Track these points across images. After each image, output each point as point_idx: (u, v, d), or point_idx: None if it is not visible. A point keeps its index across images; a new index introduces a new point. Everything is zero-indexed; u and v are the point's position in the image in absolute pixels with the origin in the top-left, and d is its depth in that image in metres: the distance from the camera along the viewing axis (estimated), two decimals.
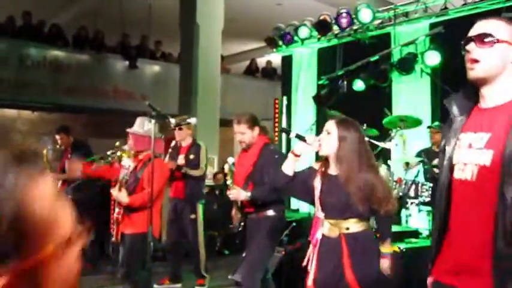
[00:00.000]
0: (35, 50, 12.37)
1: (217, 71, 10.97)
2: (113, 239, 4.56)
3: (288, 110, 9.07)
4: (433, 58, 6.77)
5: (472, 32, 2.04)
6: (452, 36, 6.66)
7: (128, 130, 4.57)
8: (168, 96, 12.55)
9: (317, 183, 3.26)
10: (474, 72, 2.00)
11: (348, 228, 3.08)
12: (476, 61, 1.98)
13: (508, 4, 6.21)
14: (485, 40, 1.97)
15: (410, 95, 7.25)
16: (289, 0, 12.73)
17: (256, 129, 4.42)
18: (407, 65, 7.11)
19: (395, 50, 7.40)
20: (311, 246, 3.28)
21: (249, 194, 4.28)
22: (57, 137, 6.96)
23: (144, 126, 4.49)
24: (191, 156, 5.82)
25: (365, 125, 6.07)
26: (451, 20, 6.91)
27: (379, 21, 7.79)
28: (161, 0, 12.59)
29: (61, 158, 6.95)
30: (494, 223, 1.87)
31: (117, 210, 4.49)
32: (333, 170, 3.21)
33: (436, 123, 6.32)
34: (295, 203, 8.47)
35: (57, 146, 7.00)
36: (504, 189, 1.85)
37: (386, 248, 3.21)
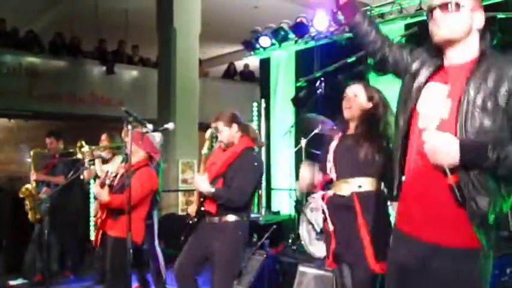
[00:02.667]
0: (11, 57, 12.24)
1: (195, 75, 10.95)
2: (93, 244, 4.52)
3: (266, 112, 9.08)
4: None
5: (436, 1, 2.15)
6: (427, 36, 6.76)
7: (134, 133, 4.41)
8: (147, 101, 12.50)
9: (332, 146, 3.40)
10: (440, 34, 2.14)
11: (360, 186, 3.16)
12: (442, 24, 2.12)
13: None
14: (449, 7, 2.11)
15: (388, 96, 7.28)
16: (266, 3, 12.76)
17: (235, 127, 4.12)
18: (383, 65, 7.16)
19: None
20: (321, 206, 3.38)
21: (212, 189, 3.87)
22: (47, 140, 6.77)
23: (155, 138, 4.50)
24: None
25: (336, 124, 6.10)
26: (426, 21, 6.96)
27: None
28: (137, 4, 12.54)
29: (47, 162, 6.80)
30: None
31: (98, 214, 4.44)
32: (352, 130, 3.36)
33: None
34: (276, 206, 8.48)
35: (46, 150, 6.81)
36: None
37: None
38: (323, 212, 3.42)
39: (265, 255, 5.68)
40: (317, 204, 3.52)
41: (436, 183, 2.04)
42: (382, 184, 3.24)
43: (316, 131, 6.13)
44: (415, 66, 2.33)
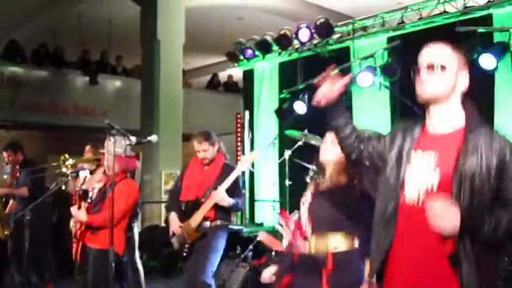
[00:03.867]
0: None
1: (178, 85, 10.94)
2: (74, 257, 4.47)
3: (250, 124, 9.08)
4: (391, 71, 6.89)
5: (422, 59, 2.22)
6: (409, 49, 6.83)
7: (110, 152, 4.44)
8: (130, 111, 12.45)
9: (306, 197, 3.26)
10: (426, 93, 2.18)
11: (336, 247, 3.01)
12: (425, 85, 2.18)
13: (461, 18, 6.39)
14: (435, 67, 2.17)
15: (370, 108, 7.34)
16: (249, 15, 12.82)
17: (217, 145, 4.72)
18: (366, 78, 7.21)
19: (355, 63, 7.50)
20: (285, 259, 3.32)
21: (232, 200, 4.52)
22: (5, 154, 6.67)
23: (122, 145, 4.42)
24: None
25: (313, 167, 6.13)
26: (408, 34, 7.05)
27: (339, 35, 7.89)
28: (121, 15, 12.52)
29: (10, 176, 6.73)
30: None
31: (77, 226, 4.40)
32: (328, 180, 3.17)
33: None
34: (259, 217, 8.46)
35: (5, 164, 6.72)
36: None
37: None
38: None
39: (248, 268, 5.66)
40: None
41: (432, 252, 2.09)
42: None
43: (299, 143, 6.14)
44: (397, 142, 2.32)
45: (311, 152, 5.23)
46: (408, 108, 6.06)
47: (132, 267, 5.78)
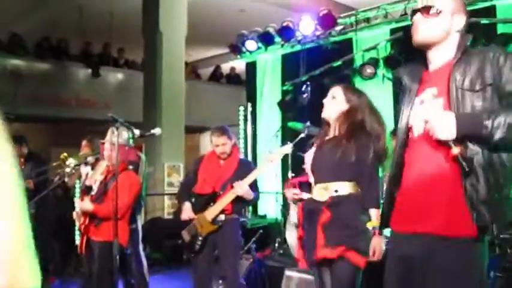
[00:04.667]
0: None
1: (181, 77, 10.93)
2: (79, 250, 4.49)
3: (253, 116, 9.08)
4: (394, 63, 6.88)
5: (419, 4, 2.26)
6: (412, 41, 6.82)
7: (112, 142, 4.46)
8: (133, 104, 12.43)
9: (310, 153, 3.35)
10: (420, 37, 2.24)
11: (337, 191, 3.10)
12: (422, 27, 2.23)
13: None
14: (430, 11, 2.21)
15: (373, 100, 7.29)
16: (252, 7, 12.77)
17: (233, 139, 4.75)
18: (369, 70, 7.21)
19: (358, 55, 7.50)
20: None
21: (253, 194, 4.54)
22: None
23: (122, 135, 4.43)
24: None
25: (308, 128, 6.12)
26: (411, 26, 7.03)
27: (341, 27, 7.88)
28: (123, 7, 12.49)
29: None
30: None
31: (81, 220, 4.42)
32: (330, 134, 3.32)
33: None
34: (262, 209, 8.48)
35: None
36: None
37: (375, 221, 3.07)
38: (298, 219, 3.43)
39: (251, 260, 5.68)
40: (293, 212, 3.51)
41: (436, 177, 2.12)
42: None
43: (302, 135, 6.13)
44: (404, 82, 2.42)
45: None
46: None
47: (135, 259, 5.80)
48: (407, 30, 7.41)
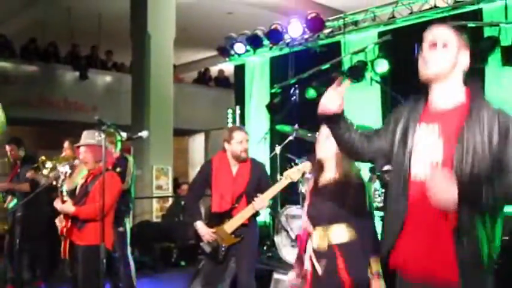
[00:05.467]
0: None
1: (169, 80, 10.91)
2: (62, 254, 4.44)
3: (241, 119, 9.08)
4: (382, 66, 6.91)
5: (425, 38, 2.27)
6: (400, 44, 6.85)
7: (82, 143, 4.46)
8: (121, 106, 12.40)
9: (305, 191, 3.33)
10: (429, 71, 2.24)
11: (338, 238, 3.03)
12: (429, 62, 2.23)
13: (452, 13, 6.42)
14: (437, 45, 2.23)
15: (361, 102, 7.35)
16: (240, 10, 12.78)
17: None
18: (357, 72, 7.22)
19: (346, 58, 7.52)
20: (305, 262, 3.21)
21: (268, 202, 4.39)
22: (7, 148, 6.67)
23: (95, 136, 4.40)
24: (117, 170, 5.68)
25: (317, 132, 6.12)
26: (399, 29, 7.07)
27: (330, 30, 7.90)
28: (111, 9, 12.45)
29: (10, 170, 6.69)
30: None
31: (63, 223, 4.36)
32: (326, 175, 3.19)
33: None
34: None
35: (6, 159, 6.70)
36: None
37: (376, 265, 3.02)
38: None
39: None
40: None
41: (436, 227, 2.14)
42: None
43: (290, 137, 6.15)
44: (402, 121, 2.38)
45: (302, 147, 5.25)
46: (399, 103, 6.09)
47: (123, 262, 5.77)
48: (395, 33, 7.48)
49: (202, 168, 4.71)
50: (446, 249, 2.11)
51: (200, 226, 4.39)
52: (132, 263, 5.79)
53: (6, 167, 6.86)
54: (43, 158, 5.56)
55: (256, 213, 4.48)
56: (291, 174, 4.23)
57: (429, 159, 2.19)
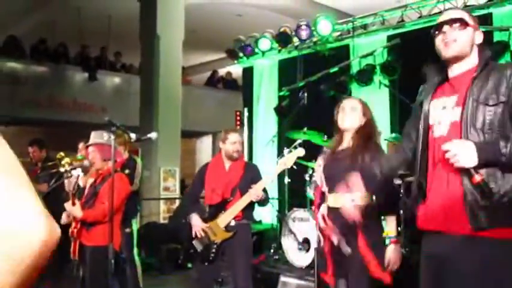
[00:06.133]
0: None
1: (178, 82, 10.93)
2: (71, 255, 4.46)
3: (249, 121, 9.09)
4: (391, 70, 6.90)
5: (445, 18, 2.39)
6: (409, 47, 6.85)
7: (91, 143, 4.49)
8: (129, 108, 12.44)
9: (321, 160, 3.39)
10: (451, 50, 2.34)
11: (353, 200, 3.05)
12: (453, 41, 2.33)
13: None
14: (460, 23, 2.35)
15: (370, 106, 7.35)
16: (249, 12, 12.80)
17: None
18: (366, 76, 7.23)
19: (354, 61, 7.52)
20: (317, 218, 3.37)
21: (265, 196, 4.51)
22: (30, 149, 6.70)
23: (103, 136, 4.43)
24: (126, 171, 5.71)
25: (326, 136, 6.13)
26: (408, 32, 7.06)
27: (338, 33, 7.90)
28: (121, 11, 12.50)
29: (29, 171, 6.71)
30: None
31: (73, 224, 4.39)
32: (344, 145, 3.36)
33: (393, 135, 6.41)
34: (258, 215, 8.47)
35: (28, 159, 6.74)
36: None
37: (391, 230, 3.11)
38: (320, 229, 3.39)
39: None
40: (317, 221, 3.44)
41: (456, 183, 2.24)
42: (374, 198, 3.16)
43: (299, 140, 6.14)
44: (424, 95, 2.55)
45: (310, 150, 5.25)
46: (408, 107, 6.08)
47: (130, 263, 5.79)
48: (404, 37, 7.46)
49: (199, 169, 4.94)
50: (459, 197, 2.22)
51: (195, 218, 4.57)
52: (138, 264, 5.81)
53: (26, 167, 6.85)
54: (61, 154, 5.59)
55: (250, 216, 4.63)
56: (285, 160, 4.43)
57: (448, 120, 2.32)
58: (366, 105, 3.48)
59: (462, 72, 2.36)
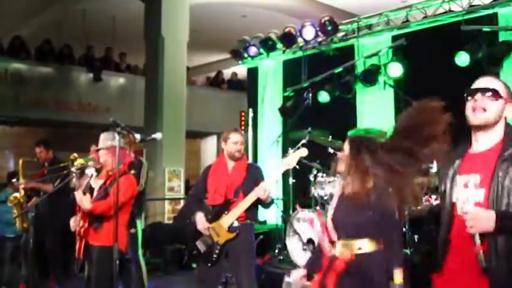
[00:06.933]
0: None
1: (182, 82, 10.93)
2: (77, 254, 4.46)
3: (254, 121, 9.08)
4: (396, 70, 6.88)
5: (479, 85, 2.42)
6: (414, 48, 6.83)
7: (102, 146, 4.49)
8: (134, 108, 12.45)
9: (333, 203, 3.16)
10: (479, 119, 2.38)
11: (360, 248, 2.92)
12: (483, 110, 2.37)
13: (466, 17, 6.37)
14: (493, 94, 2.37)
15: (374, 106, 7.34)
16: (254, 13, 12.79)
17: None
18: (370, 76, 7.21)
19: (359, 61, 7.50)
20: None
21: (271, 195, 4.55)
22: (37, 149, 6.72)
23: (113, 138, 4.42)
24: (132, 172, 5.68)
25: (330, 136, 6.12)
26: (413, 33, 7.04)
27: (343, 33, 7.89)
28: (125, 12, 12.51)
29: (36, 171, 6.72)
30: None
31: (81, 223, 4.39)
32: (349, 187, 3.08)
33: None
34: (262, 215, 8.46)
35: (35, 159, 6.76)
36: None
37: (397, 278, 2.90)
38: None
39: None
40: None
41: (471, 259, 2.27)
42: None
43: (303, 141, 6.14)
44: (451, 167, 2.54)
45: (315, 150, 5.25)
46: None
47: (135, 264, 5.79)
48: (409, 37, 7.44)
49: (203, 170, 4.96)
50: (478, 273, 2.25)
51: (199, 217, 4.55)
52: (143, 264, 5.81)
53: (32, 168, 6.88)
54: (75, 155, 5.61)
55: (254, 217, 4.65)
56: (289, 161, 4.43)
57: (472, 200, 2.31)
58: (356, 142, 3.12)
59: (487, 150, 2.39)
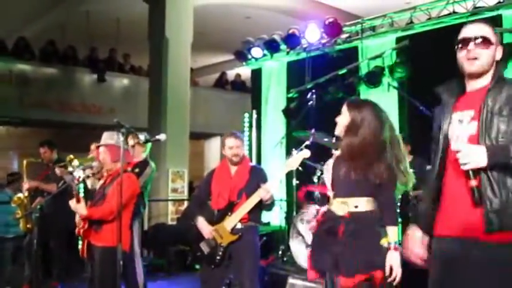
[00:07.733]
0: (1, 63, 12.11)
1: (186, 84, 10.95)
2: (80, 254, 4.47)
3: (257, 123, 9.09)
4: (400, 71, 6.88)
5: (469, 34, 2.44)
6: (418, 49, 6.82)
7: (102, 143, 4.50)
8: (138, 109, 12.48)
9: (330, 164, 3.34)
10: (474, 67, 2.42)
11: (356, 207, 3.10)
12: (475, 58, 2.40)
13: (471, 19, 6.36)
14: (484, 42, 2.40)
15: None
16: (258, 14, 12.81)
17: (244, 144, 4.82)
18: (374, 78, 7.21)
19: (363, 63, 7.50)
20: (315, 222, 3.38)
21: (274, 197, 4.53)
22: (41, 150, 6.74)
23: (114, 137, 4.44)
24: (136, 170, 5.66)
25: (334, 138, 6.11)
26: (417, 34, 7.04)
27: (347, 35, 7.89)
28: (129, 13, 12.54)
29: (40, 172, 6.74)
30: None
31: (81, 224, 4.39)
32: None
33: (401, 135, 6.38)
34: (266, 217, 8.46)
35: (39, 160, 6.78)
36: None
37: (392, 237, 3.08)
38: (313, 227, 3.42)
39: None
40: (310, 218, 3.47)
41: (468, 193, 2.32)
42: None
43: (307, 142, 6.14)
44: (442, 98, 2.61)
45: (318, 151, 5.25)
46: (416, 109, 6.06)
47: (134, 261, 5.78)
48: (413, 39, 7.42)
49: (207, 174, 4.93)
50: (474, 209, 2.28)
51: (200, 221, 4.53)
52: (140, 264, 5.79)
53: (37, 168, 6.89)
54: (71, 156, 5.63)
55: (257, 218, 4.60)
56: (291, 162, 4.37)
57: (464, 135, 2.37)
58: (352, 105, 3.48)
59: (479, 87, 2.44)
